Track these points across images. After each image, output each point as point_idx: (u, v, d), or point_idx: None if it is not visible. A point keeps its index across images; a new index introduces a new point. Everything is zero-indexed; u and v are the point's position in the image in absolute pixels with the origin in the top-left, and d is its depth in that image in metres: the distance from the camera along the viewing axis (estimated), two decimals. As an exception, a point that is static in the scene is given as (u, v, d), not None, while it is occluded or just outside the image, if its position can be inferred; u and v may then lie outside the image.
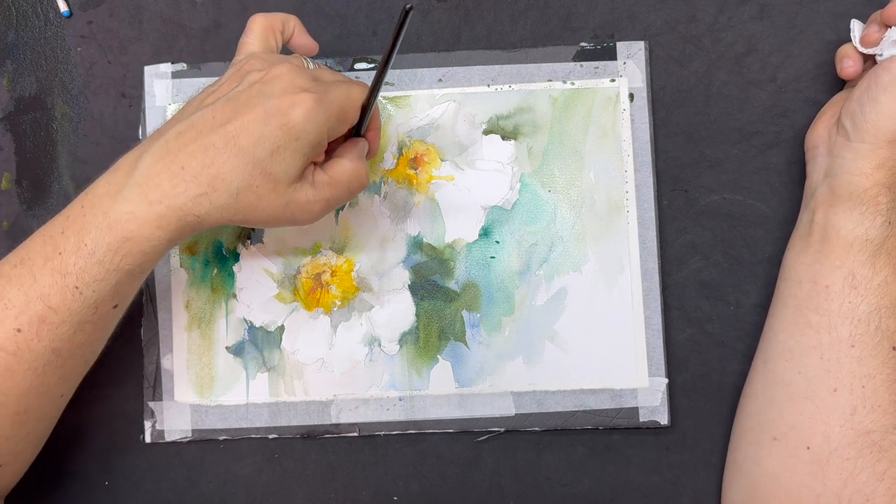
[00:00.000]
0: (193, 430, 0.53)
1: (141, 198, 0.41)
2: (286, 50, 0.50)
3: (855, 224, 0.46)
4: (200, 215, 0.42)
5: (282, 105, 0.42)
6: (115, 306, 0.44)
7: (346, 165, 0.45)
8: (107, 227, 0.41)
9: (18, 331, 0.42)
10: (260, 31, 0.48)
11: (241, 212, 0.43)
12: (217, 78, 0.47)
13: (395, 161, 0.54)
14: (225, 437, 0.53)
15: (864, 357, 0.45)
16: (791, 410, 0.46)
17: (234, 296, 0.53)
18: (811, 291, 0.47)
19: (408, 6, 0.40)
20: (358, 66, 0.54)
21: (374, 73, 0.54)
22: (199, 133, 0.42)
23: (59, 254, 0.42)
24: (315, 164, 0.45)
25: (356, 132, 0.47)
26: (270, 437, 0.53)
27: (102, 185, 0.43)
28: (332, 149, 0.46)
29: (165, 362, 0.53)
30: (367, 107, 0.46)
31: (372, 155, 0.49)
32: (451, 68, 0.54)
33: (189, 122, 0.42)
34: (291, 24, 0.49)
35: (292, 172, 0.42)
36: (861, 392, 0.45)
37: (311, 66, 0.47)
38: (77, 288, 0.42)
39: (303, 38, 0.49)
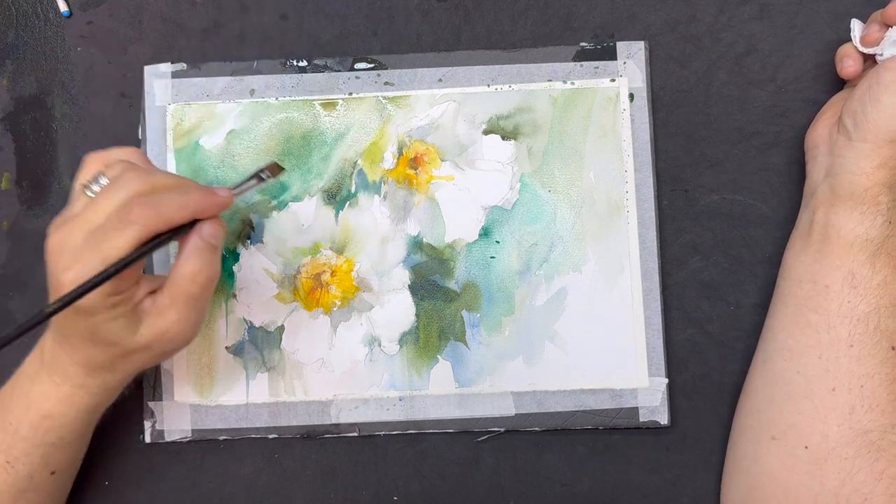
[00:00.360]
0: (193, 430, 0.53)
1: (49, 380, 0.44)
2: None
3: (855, 224, 0.46)
4: (100, 385, 0.44)
5: (56, 291, 0.40)
6: (52, 473, 0.46)
7: (178, 274, 0.42)
8: (26, 407, 0.44)
9: None
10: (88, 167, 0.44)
11: (128, 371, 0.45)
12: (212, 79, 0.53)
13: (395, 161, 0.54)
14: (225, 437, 0.53)
15: (863, 356, 0.45)
16: (790, 409, 0.46)
17: (234, 296, 0.53)
18: (811, 291, 0.47)
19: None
20: (358, 65, 0.54)
21: (373, 71, 0.54)
22: (55, 325, 0.43)
23: None
24: (154, 292, 0.43)
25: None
26: (270, 437, 0.53)
27: (27, 365, 0.46)
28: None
29: (165, 362, 0.53)
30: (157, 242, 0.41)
31: (224, 206, 0.44)
32: (451, 68, 0.54)
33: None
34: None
35: (122, 331, 0.42)
36: (859, 391, 0.45)
37: (97, 187, 0.42)
38: (8, 462, 0.44)
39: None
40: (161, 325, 0.42)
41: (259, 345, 0.53)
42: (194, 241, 0.42)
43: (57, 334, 0.44)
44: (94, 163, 0.44)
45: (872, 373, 0.45)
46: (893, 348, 0.45)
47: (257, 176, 0.47)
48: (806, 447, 0.45)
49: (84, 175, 0.44)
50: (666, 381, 0.52)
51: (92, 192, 0.42)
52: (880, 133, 0.45)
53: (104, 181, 0.42)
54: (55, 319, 0.41)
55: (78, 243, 0.39)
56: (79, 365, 0.43)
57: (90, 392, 0.44)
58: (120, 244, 0.39)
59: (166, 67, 0.54)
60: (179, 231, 0.42)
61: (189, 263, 0.42)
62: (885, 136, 0.45)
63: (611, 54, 0.54)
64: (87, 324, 0.41)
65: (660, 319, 0.52)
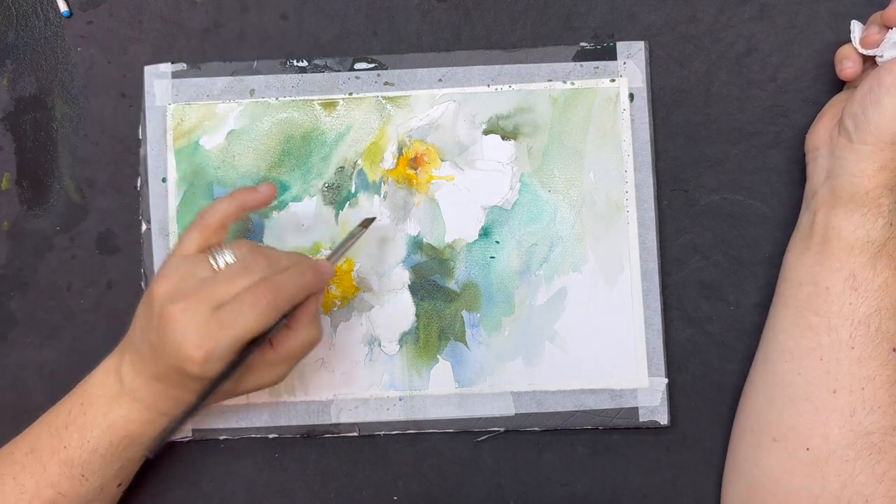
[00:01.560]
0: (194, 430, 0.53)
1: (132, 405, 0.45)
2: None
3: (856, 226, 0.46)
4: (177, 408, 0.45)
5: (180, 363, 0.42)
6: (119, 485, 0.49)
7: (297, 340, 0.45)
8: (107, 427, 0.46)
9: None
10: (202, 231, 0.46)
11: (216, 399, 0.46)
12: (213, 79, 0.53)
13: (395, 161, 0.54)
14: (225, 437, 0.53)
15: (864, 359, 0.45)
16: (791, 412, 0.46)
17: (235, 296, 0.53)
18: (811, 293, 0.47)
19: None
20: (358, 65, 0.54)
21: (373, 71, 0.54)
22: (146, 368, 0.44)
23: (65, 447, 0.46)
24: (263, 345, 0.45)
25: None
26: (270, 436, 0.53)
27: (98, 387, 0.46)
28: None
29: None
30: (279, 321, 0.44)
31: (329, 280, 0.47)
32: (451, 68, 0.54)
33: (137, 355, 0.45)
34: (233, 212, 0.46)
35: (231, 384, 0.45)
36: (861, 394, 0.45)
37: (222, 261, 0.44)
38: (83, 476, 0.46)
39: (253, 202, 0.47)
40: (269, 377, 0.46)
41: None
42: (311, 311, 0.46)
43: (144, 373, 0.45)
44: (214, 223, 0.46)
45: (874, 375, 0.45)
46: (895, 350, 0.45)
47: (352, 235, 0.50)
48: (807, 449, 0.45)
49: (202, 237, 0.45)
50: (666, 381, 0.52)
51: (217, 264, 0.44)
52: (881, 135, 0.45)
53: (230, 258, 0.44)
54: (161, 371, 0.44)
55: (204, 319, 0.41)
56: (169, 400, 0.45)
57: (171, 417, 0.46)
58: (251, 325, 0.42)
59: (166, 67, 0.54)
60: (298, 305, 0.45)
61: (307, 330, 0.45)
62: (886, 139, 0.45)
63: (611, 54, 0.54)
64: (200, 384, 0.44)
65: (660, 319, 0.52)
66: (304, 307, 0.45)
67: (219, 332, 0.41)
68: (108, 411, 0.46)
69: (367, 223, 0.51)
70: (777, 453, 0.46)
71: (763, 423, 0.48)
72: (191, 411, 0.44)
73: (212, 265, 0.44)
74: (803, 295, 0.47)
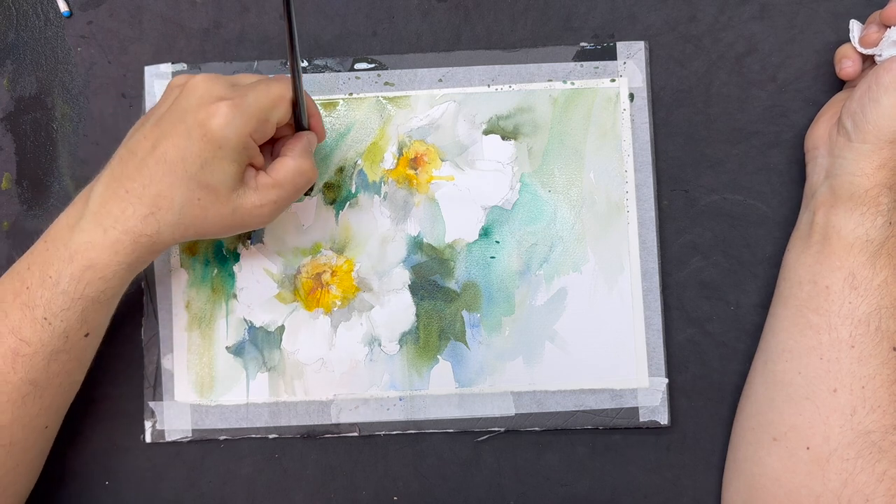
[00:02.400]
0: (194, 430, 0.53)
1: (95, 226, 0.43)
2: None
3: (856, 225, 0.46)
4: (151, 235, 0.44)
5: (199, 117, 0.43)
6: (87, 335, 0.46)
7: (288, 165, 0.46)
8: (68, 258, 0.43)
9: None
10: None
11: (190, 227, 0.44)
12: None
13: (396, 161, 0.54)
14: (225, 437, 0.53)
15: (864, 357, 0.45)
16: (791, 411, 0.46)
17: (235, 296, 0.53)
18: (811, 292, 0.47)
19: None
20: (358, 65, 0.54)
21: (374, 71, 0.54)
22: (135, 157, 0.44)
23: (27, 288, 0.44)
24: (256, 167, 0.46)
25: (298, 126, 0.48)
26: (270, 436, 0.53)
27: (63, 219, 0.45)
28: (279, 147, 0.48)
29: (166, 362, 0.53)
30: (297, 99, 0.46)
31: (320, 139, 0.50)
32: (451, 68, 0.54)
33: (128, 148, 0.45)
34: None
35: (229, 181, 0.44)
36: (861, 393, 0.45)
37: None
38: (45, 319, 0.44)
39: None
40: (258, 199, 0.45)
41: (259, 345, 0.53)
42: (305, 143, 0.47)
43: (124, 174, 0.43)
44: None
45: (874, 374, 0.45)
46: (895, 349, 0.45)
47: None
48: (807, 448, 0.45)
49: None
50: (666, 381, 0.52)
51: None
52: (880, 134, 0.45)
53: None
54: (161, 149, 0.43)
55: (229, 84, 0.45)
56: (144, 206, 0.43)
57: (137, 242, 0.43)
58: (272, 92, 0.45)
59: (167, 67, 0.54)
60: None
61: (301, 158, 0.46)
62: (885, 137, 0.45)
63: (611, 54, 0.54)
64: (205, 156, 0.43)
65: (660, 319, 0.52)
66: (298, 137, 0.47)
67: (244, 91, 0.44)
68: (70, 239, 0.44)
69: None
70: (777, 452, 0.46)
71: (763, 422, 0.48)
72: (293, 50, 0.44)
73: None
74: (803, 294, 0.47)
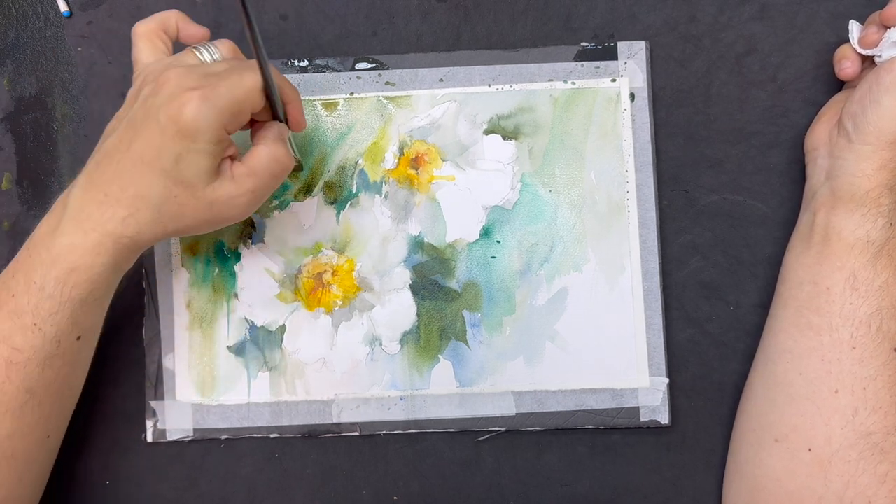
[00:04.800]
0: (195, 430, 0.53)
1: (76, 229, 0.43)
2: (180, 46, 0.49)
3: (856, 226, 0.46)
4: (132, 236, 0.43)
5: (171, 111, 0.41)
6: (78, 338, 0.46)
7: (262, 153, 0.45)
8: (51, 262, 0.43)
9: None
10: (143, 40, 0.47)
11: (169, 223, 0.44)
12: None
13: (396, 161, 0.54)
14: (226, 437, 0.53)
15: (866, 359, 0.45)
16: (792, 412, 0.46)
17: (236, 295, 0.53)
18: (812, 293, 0.47)
19: None
20: (359, 65, 0.54)
21: (374, 71, 0.54)
22: (111, 159, 0.43)
23: (13, 296, 0.44)
24: (232, 158, 0.45)
25: (275, 114, 0.47)
26: (271, 436, 0.53)
27: (43, 226, 0.45)
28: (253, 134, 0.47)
29: (167, 362, 0.53)
30: (269, 87, 0.44)
31: (298, 127, 0.48)
32: (451, 68, 0.54)
33: (103, 151, 0.44)
34: (173, 21, 0.48)
35: (204, 174, 0.43)
36: (862, 394, 0.45)
37: (208, 56, 0.46)
38: (35, 325, 0.43)
39: (190, 29, 0.48)
40: (234, 189, 0.44)
41: (260, 344, 0.53)
42: (276, 130, 0.46)
43: (100, 178, 0.43)
44: (153, 27, 0.48)
45: (875, 375, 0.45)
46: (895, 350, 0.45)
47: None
48: (809, 450, 0.45)
49: (149, 43, 0.47)
50: (666, 380, 0.52)
51: (203, 58, 0.46)
52: (881, 135, 0.45)
53: (216, 54, 0.46)
54: (135, 150, 0.43)
55: (200, 76, 0.43)
56: (122, 207, 0.43)
57: (118, 242, 0.43)
58: (247, 78, 0.43)
59: (167, 67, 0.54)
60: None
61: (273, 145, 0.45)
62: (886, 138, 0.45)
63: (612, 54, 0.54)
64: (179, 151, 0.42)
65: (660, 319, 0.52)
66: (270, 125, 0.46)
67: (215, 80, 0.42)
68: (52, 244, 0.43)
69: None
70: (779, 454, 0.47)
71: (764, 423, 0.48)
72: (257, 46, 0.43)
73: (198, 57, 0.46)
74: (804, 295, 0.47)
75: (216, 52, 0.46)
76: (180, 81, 0.42)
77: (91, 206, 0.43)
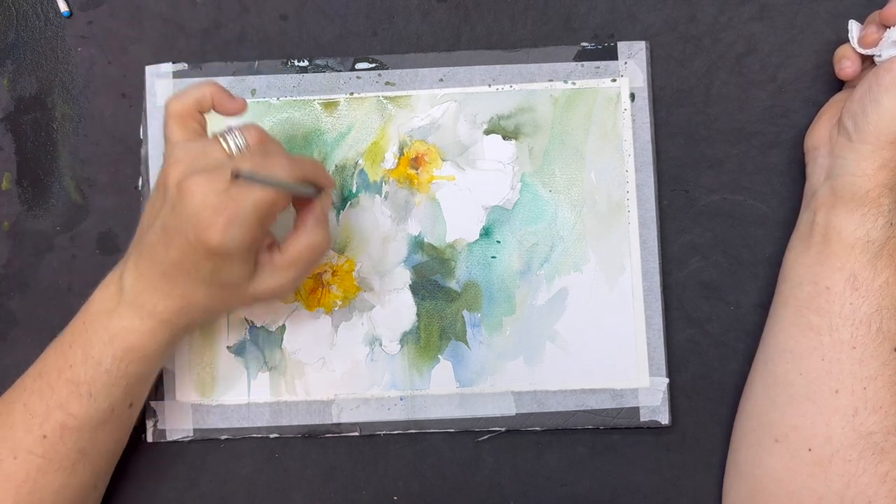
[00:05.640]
0: (195, 430, 0.53)
1: (133, 314, 0.45)
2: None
3: (856, 225, 0.46)
4: (187, 324, 0.46)
5: (199, 233, 0.41)
6: (130, 405, 0.48)
7: (301, 242, 0.46)
8: (108, 341, 0.45)
9: (44, 437, 0.45)
10: (176, 122, 0.46)
11: (220, 312, 0.48)
12: (214, 79, 0.53)
13: (396, 161, 0.54)
14: (226, 437, 0.53)
15: (866, 358, 0.45)
16: (792, 412, 0.46)
17: (236, 296, 0.53)
18: (812, 292, 0.47)
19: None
20: (359, 65, 0.54)
21: (374, 71, 0.54)
22: (154, 259, 0.44)
23: (70, 366, 0.46)
24: (271, 246, 0.46)
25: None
26: (271, 436, 0.53)
27: (98, 302, 0.46)
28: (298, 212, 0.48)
29: (167, 362, 0.53)
30: (300, 191, 0.45)
31: (327, 201, 0.48)
32: (451, 68, 0.54)
33: (146, 244, 0.44)
34: (208, 97, 0.46)
35: (244, 279, 0.45)
36: (862, 394, 0.45)
37: (234, 146, 0.44)
38: (91, 395, 0.45)
39: (225, 104, 0.47)
40: (276, 281, 0.46)
41: (260, 344, 0.53)
42: (317, 213, 0.46)
43: (150, 272, 0.44)
44: (187, 108, 0.46)
45: (875, 375, 0.45)
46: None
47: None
48: (809, 449, 0.45)
49: (181, 125, 0.46)
50: (667, 380, 0.52)
51: (230, 147, 0.44)
52: (881, 135, 0.45)
53: (241, 142, 0.44)
54: (173, 258, 0.43)
55: (223, 187, 0.41)
56: (174, 302, 0.44)
57: (174, 328, 0.45)
58: (271, 188, 0.42)
59: (168, 67, 0.54)
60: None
61: (313, 233, 0.46)
62: (886, 138, 0.45)
63: (612, 54, 0.54)
64: (214, 265, 0.43)
65: (660, 319, 0.52)
66: (310, 208, 0.46)
67: (239, 196, 0.41)
68: (109, 324, 0.45)
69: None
70: (779, 454, 0.47)
71: (765, 423, 0.48)
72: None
73: (224, 148, 0.44)
74: (804, 295, 0.47)
75: (242, 141, 0.44)
76: (204, 199, 0.41)
77: (145, 296, 0.45)
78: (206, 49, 0.55)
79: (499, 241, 0.53)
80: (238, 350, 0.53)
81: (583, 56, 0.54)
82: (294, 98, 0.54)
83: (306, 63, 0.54)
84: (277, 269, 0.45)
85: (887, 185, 0.45)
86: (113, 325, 0.45)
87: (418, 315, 0.53)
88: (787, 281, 0.49)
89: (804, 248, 0.48)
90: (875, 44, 0.48)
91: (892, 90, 0.45)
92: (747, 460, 0.48)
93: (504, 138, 0.54)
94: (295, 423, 0.53)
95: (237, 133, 0.44)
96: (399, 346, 0.53)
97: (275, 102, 0.54)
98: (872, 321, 0.45)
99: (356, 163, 0.54)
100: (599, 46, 0.54)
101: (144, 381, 0.48)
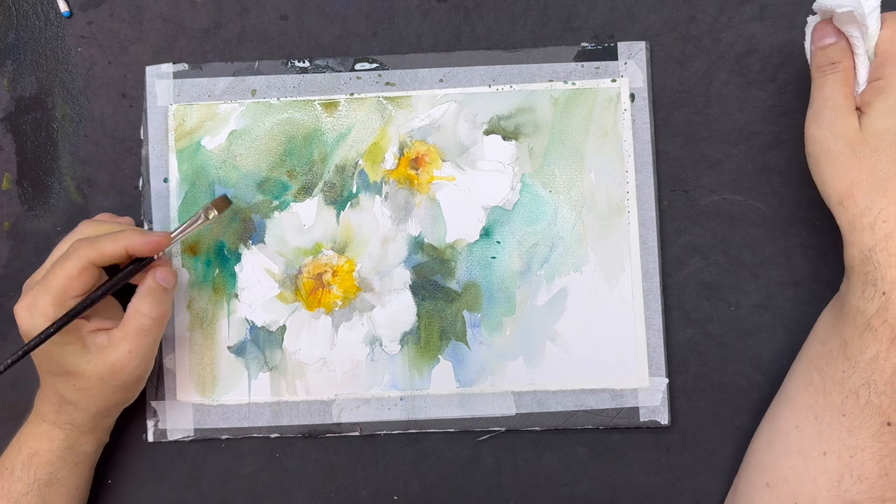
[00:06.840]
0: (196, 430, 0.53)
1: (34, 420, 0.49)
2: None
3: (851, 293, 0.44)
4: (71, 422, 0.49)
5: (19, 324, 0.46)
6: None
7: (129, 311, 0.48)
8: (17, 449, 0.49)
9: None
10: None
11: (92, 405, 0.48)
12: (214, 79, 0.54)
13: (397, 161, 0.54)
14: (227, 437, 0.53)
15: (854, 428, 0.44)
16: (784, 462, 0.46)
17: (236, 296, 0.53)
18: (820, 351, 0.46)
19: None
20: (359, 65, 0.54)
21: (374, 72, 0.54)
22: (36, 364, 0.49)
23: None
24: (101, 329, 0.48)
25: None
26: (272, 436, 0.53)
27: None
28: None
29: (168, 362, 0.53)
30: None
31: (161, 247, 0.48)
32: (451, 68, 0.54)
33: None
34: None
35: (77, 358, 0.47)
36: (849, 461, 0.44)
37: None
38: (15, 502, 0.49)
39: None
40: (113, 355, 0.47)
41: (261, 344, 0.53)
42: (148, 282, 0.48)
43: (41, 375, 0.49)
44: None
45: (863, 445, 0.43)
46: (889, 424, 0.43)
47: (202, 214, 0.50)
48: (795, 503, 0.45)
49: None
50: (666, 381, 0.52)
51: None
52: (827, 200, 0.45)
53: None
54: (42, 372, 0.48)
55: (31, 289, 0.46)
56: (50, 401, 0.48)
57: (62, 429, 0.49)
58: (68, 272, 0.45)
59: (168, 67, 0.54)
60: (131, 274, 0.48)
61: (144, 301, 0.48)
62: (829, 203, 0.45)
63: (612, 54, 0.54)
64: (45, 352, 0.47)
65: (660, 319, 0.52)
66: (144, 278, 0.48)
67: (40, 289, 0.45)
68: (20, 432, 0.50)
69: (222, 205, 0.51)
70: (769, 499, 0.46)
71: (763, 464, 0.47)
72: (26, 351, 0.45)
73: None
74: (812, 351, 0.47)
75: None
76: (27, 285, 0.48)
77: (38, 402, 0.49)
78: (206, 49, 0.55)
79: (499, 242, 0.53)
80: (239, 350, 0.53)
81: (583, 56, 0.54)
82: (294, 98, 0.54)
83: (306, 63, 0.54)
84: (114, 342, 0.47)
85: (864, 250, 0.44)
86: (23, 432, 0.50)
87: (418, 315, 0.53)
88: (812, 331, 0.48)
89: (831, 305, 0.47)
90: (832, 34, 0.46)
91: (813, 162, 0.45)
92: (743, 493, 0.48)
93: (504, 139, 0.54)
94: (295, 422, 0.53)
95: None
96: (399, 346, 0.53)
97: (275, 103, 0.54)
98: (861, 393, 0.44)
99: (356, 163, 0.54)
100: (599, 47, 0.54)
101: (58, 486, 0.49)
